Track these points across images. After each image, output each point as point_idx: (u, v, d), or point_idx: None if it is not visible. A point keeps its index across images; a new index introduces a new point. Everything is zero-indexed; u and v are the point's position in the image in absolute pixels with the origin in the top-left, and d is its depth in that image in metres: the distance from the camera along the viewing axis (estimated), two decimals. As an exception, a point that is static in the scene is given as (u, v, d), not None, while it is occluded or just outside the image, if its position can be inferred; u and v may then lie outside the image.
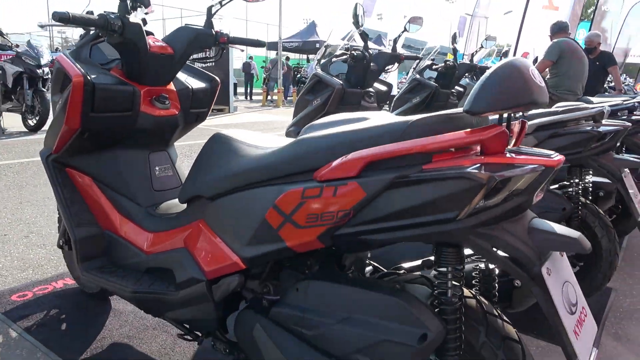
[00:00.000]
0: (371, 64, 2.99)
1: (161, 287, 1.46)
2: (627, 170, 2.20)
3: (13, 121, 7.50)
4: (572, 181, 2.16)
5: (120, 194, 1.71)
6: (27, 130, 7.03)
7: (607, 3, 12.25)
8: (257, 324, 1.21)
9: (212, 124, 9.32)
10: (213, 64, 10.00)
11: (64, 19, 1.39)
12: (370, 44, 3.13)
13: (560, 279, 0.99)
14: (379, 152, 0.96)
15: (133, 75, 1.70)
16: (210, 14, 1.78)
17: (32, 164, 4.83)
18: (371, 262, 1.44)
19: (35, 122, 6.89)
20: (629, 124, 2.14)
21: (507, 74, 0.91)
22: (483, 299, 1.11)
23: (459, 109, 1.00)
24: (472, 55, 4.78)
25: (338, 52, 2.97)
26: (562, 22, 4.73)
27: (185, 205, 1.50)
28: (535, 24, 8.69)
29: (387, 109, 5.89)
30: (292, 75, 18.43)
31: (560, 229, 0.97)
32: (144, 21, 1.71)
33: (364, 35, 2.91)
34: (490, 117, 1.05)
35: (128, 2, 1.60)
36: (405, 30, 3.34)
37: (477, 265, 1.30)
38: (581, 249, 0.94)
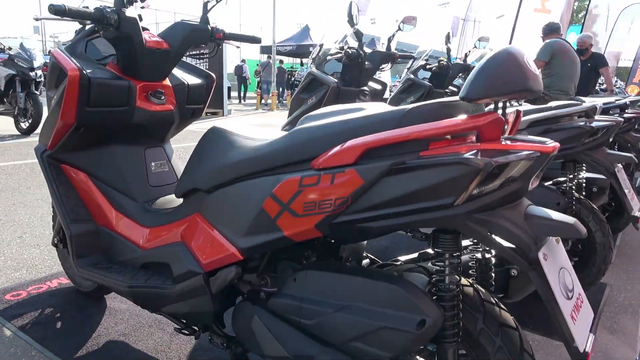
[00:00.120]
0: (366, 63, 3.00)
1: (158, 281, 1.45)
2: (619, 165, 2.22)
3: (5, 124, 7.45)
4: (566, 177, 2.18)
5: (116, 190, 1.71)
6: (19, 133, 6.98)
7: (598, 7, 12.40)
8: (255, 316, 1.21)
9: (206, 127, 9.29)
10: (207, 61, 10.01)
11: (59, 11, 1.39)
12: (364, 48, 3.15)
13: (557, 264, 1.00)
14: (376, 139, 0.97)
15: (129, 70, 1.70)
16: (206, 10, 1.78)
17: (25, 166, 4.80)
18: (368, 254, 1.45)
19: (27, 125, 6.83)
20: (621, 119, 2.16)
21: (502, 61, 0.92)
22: (480, 287, 1.11)
23: (455, 97, 1.01)
24: (466, 55, 4.82)
25: (333, 51, 2.98)
26: (554, 23, 4.78)
27: (181, 201, 1.49)
28: (527, 27, 8.77)
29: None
30: (286, 79, 18.46)
31: (556, 215, 0.98)
32: (140, 17, 1.71)
33: (359, 34, 2.92)
34: (486, 109, 1.06)
35: None
36: (399, 29, 3.37)
37: (474, 255, 1.30)
38: (577, 234, 0.95)
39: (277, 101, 16.11)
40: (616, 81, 12.23)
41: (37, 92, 6.82)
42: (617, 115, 2.82)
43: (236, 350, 1.39)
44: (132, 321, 1.94)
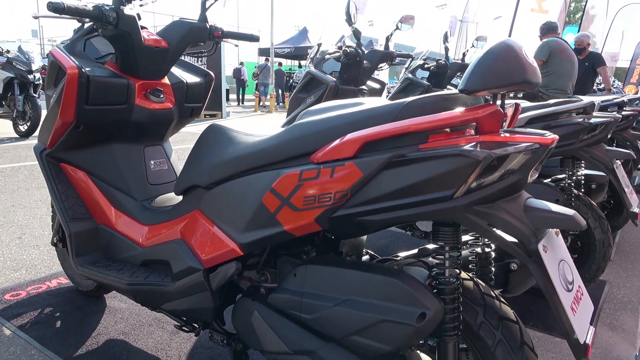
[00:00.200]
0: (364, 62, 3.01)
1: (157, 278, 1.45)
2: (618, 161, 2.23)
3: (3, 127, 7.44)
4: (564, 174, 2.18)
5: (115, 188, 1.71)
6: (18, 136, 6.97)
7: (594, 8, 12.44)
8: (255, 312, 1.21)
9: (205, 128, 9.27)
10: (206, 64, 10.01)
11: (58, 9, 1.39)
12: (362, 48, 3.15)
13: (557, 256, 1.00)
14: (375, 132, 0.97)
15: (127, 68, 1.70)
16: (204, 8, 1.78)
17: (24, 168, 4.79)
18: (368, 251, 1.45)
19: (26, 128, 6.83)
20: (619, 115, 2.17)
21: (501, 53, 0.92)
22: (480, 281, 1.11)
23: (454, 90, 1.01)
24: (464, 54, 4.83)
25: (331, 50, 2.99)
26: (551, 22, 4.79)
27: (180, 198, 1.49)
28: (525, 27, 8.81)
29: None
30: (285, 81, 18.50)
31: (555, 207, 0.98)
32: (138, 16, 1.71)
33: (357, 33, 2.93)
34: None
35: None
36: (397, 28, 3.37)
37: (474, 250, 1.30)
38: (576, 225, 0.95)
39: (275, 103, 16.11)
40: (614, 81, 12.28)
41: (36, 95, 6.82)
42: (615, 112, 2.83)
43: (236, 347, 1.38)
44: (132, 320, 1.94)
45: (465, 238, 1.38)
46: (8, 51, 7.03)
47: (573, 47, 5.17)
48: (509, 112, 1.07)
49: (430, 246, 1.26)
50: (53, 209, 2.05)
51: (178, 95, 1.85)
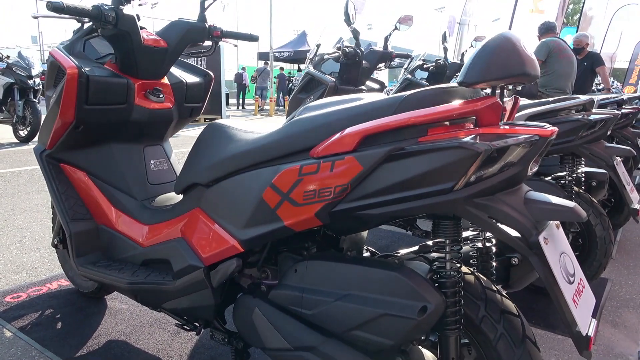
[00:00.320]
0: (363, 62, 3.01)
1: (158, 277, 1.45)
2: (618, 158, 2.23)
3: (4, 133, 7.45)
4: (564, 171, 2.18)
5: (115, 188, 1.71)
6: (18, 141, 6.98)
7: (592, 9, 12.47)
8: (256, 309, 1.21)
9: (205, 132, 9.26)
10: (205, 67, 10.02)
11: (57, 8, 1.40)
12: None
13: (558, 249, 1.00)
14: (374, 125, 0.97)
15: (127, 68, 1.70)
16: (203, 8, 1.79)
17: (25, 173, 4.79)
18: (368, 247, 1.45)
19: (26, 133, 6.83)
20: (619, 112, 2.17)
21: (499, 45, 0.93)
22: (481, 275, 1.11)
23: (453, 83, 1.01)
24: (462, 55, 4.83)
25: (330, 51, 2.99)
26: (550, 22, 4.80)
27: (181, 198, 1.49)
28: (523, 28, 8.83)
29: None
30: (285, 84, 18.57)
31: (555, 199, 0.98)
32: (138, 16, 1.72)
33: (356, 33, 2.93)
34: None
35: None
36: (395, 29, 3.38)
37: (475, 245, 1.30)
38: (577, 217, 0.95)
39: (275, 107, 16.13)
40: (613, 82, 12.29)
41: (36, 100, 6.82)
42: (614, 109, 2.83)
43: (238, 345, 1.38)
44: (132, 321, 1.93)
45: (466, 234, 1.37)
46: (8, 57, 7.05)
47: (572, 47, 5.17)
48: (508, 105, 1.07)
49: (431, 242, 1.26)
50: (53, 210, 2.05)
51: (178, 95, 1.85)
